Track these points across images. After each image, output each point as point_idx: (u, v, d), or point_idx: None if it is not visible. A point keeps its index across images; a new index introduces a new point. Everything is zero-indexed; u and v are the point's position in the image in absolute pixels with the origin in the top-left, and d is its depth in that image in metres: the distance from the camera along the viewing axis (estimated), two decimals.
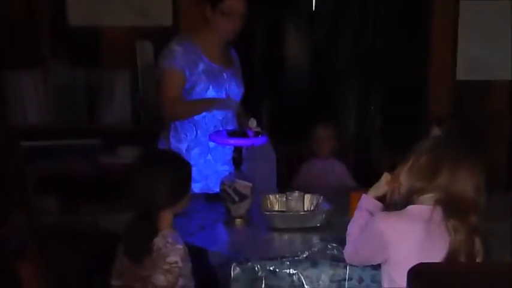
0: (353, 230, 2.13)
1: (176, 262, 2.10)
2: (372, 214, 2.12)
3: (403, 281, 1.70)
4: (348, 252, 2.13)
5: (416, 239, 1.94)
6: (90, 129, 3.92)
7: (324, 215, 2.58)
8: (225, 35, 3.01)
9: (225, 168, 2.97)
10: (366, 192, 2.32)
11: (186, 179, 2.23)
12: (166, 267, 2.09)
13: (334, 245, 2.32)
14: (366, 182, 3.41)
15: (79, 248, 3.57)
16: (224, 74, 3.05)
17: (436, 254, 1.93)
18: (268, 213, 2.62)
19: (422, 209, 1.97)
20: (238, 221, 2.68)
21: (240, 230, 2.65)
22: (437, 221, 1.95)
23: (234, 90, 3.08)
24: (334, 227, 2.55)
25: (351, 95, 4.50)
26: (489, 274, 1.45)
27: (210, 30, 3.01)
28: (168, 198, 2.15)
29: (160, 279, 2.08)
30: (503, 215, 2.61)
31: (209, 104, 2.97)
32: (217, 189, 2.88)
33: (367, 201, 2.16)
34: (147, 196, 2.14)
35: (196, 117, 2.99)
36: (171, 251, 2.10)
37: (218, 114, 3.01)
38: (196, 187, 2.85)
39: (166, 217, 2.17)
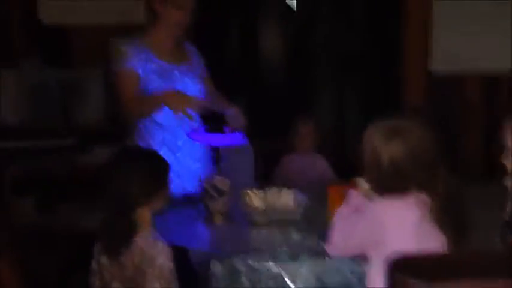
0: (339, 222, 2.13)
1: (165, 264, 2.09)
2: (357, 207, 2.13)
3: None
4: (333, 243, 2.12)
5: (413, 223, 1.96)
6: (65, 129, 3.94)
7: (302, 209, 2.59)
8: (176, 29, 2.93)
9: (197, 166, 2.96)
10: (343, 185, 2.33)
11: (162, 174, 2.23)
12: (157, 272, 2.07)
13: (314, 237, 2.33)
14: (345, 175, 3.51)
15: (57, 248, 3.55)
16: (176, 72, 2.96)
17: (431, 240, 1.95)
18: (247, 208, 2.62)
19: (415, 195, 1.99)
20: (217, 217, 2.68)
21: (219, 226, 2.65)
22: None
23: (190, 87, 2.98)
24: (312, 220, 2.56)
25: (326, 89, 4.53)
26: (469, 262, 1.46)
27: (159, 27, 2.94)
28: (144, 194, 2.14)
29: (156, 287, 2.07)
30: (479, 206, 2.64)
31: (162, 96, 2.84)
32: (193, 188, 2.90)
33: (355, 196, 2.17)
34: (122, 191, 2.13)
35: (158, 119, 2.90)
36: (158, 254, 2.09)
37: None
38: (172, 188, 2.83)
39: (144, 214, 2.16)
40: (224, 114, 2.91)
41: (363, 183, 2.16)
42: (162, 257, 2.08)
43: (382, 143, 1.99)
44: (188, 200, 2.88)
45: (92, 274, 2.25)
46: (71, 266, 3.37)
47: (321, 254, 2.21)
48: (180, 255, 2.36)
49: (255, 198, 2.78)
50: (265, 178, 3.14)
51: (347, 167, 3.72)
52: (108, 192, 2.15)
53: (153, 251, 2.09)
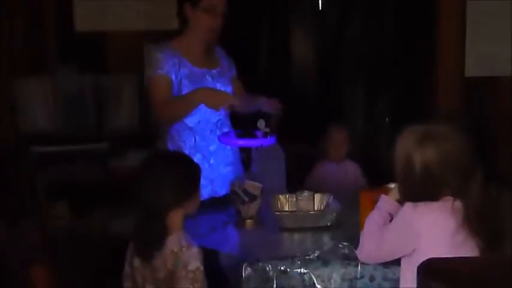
0: (371, 228, 2.11)
1: (198, 268, 2.10)
2: (390, 214, 2.11)
3: None
4: (366, 249, 2.11)
5: (447, 230, 1.93)
6: (99, 134, 3.95)
7: (334, 214, 2.58)
8: (207, 34, 2.92)
9: (228, 170, 2.96)
10: (375, 191, 2.31)
11: (194, 178, 2.23)
12: (190, 275, 2.08)
13: (346, 243, 2.31)
14: (377, 183, 3.47)
15: (90, 253, 3.58)
16: (208, 77, 2.96)
17: (466, 249, 1.93)
18: (278, 213, 2.61)
19: (450, 202, 1.97)
20: (248, 222, 2.68)
21: (250, 231, 2.65)
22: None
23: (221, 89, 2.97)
24: (344, 226, 2.55)
25: (359, 94, 4.50)
26: (500, 269, 1.43)
27: (190, 32, 2.94)
28: (176, 197, 2.15)
29: None
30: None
31: (194, 94, 2.81)
32: (224, 192, 2.90)
33: (387, 202, 2.15)
34: (155, 194, 2.13)
35: (190, 124, 2.90)
36: (191, 257, 2.09)
37: (212, 117, 2.92)
38: (204, 193, 2.83)
39: (176, 217, 2.16)
40: (257, 108, 2.89)
41: (395, 189, 2.14)
42: (194, 261, 2.09)
43: (415, 148, 1.97)
44: (219, 204, 2.88)
45: (125, 277, 2.26)
46: (104, 271, 3.39)
47: (353, 260, 2.20)
48: (211, 259, 2.36)
49: (286, 203, 2.78)
50: (296, 184, 3.13)
51: (380, 175, 3.74)
52: (141, 196, 2.17)
53: (185, 254, 2.09)
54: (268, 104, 2.83)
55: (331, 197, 2.74)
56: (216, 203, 2.89)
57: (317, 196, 2.77)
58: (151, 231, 2.13)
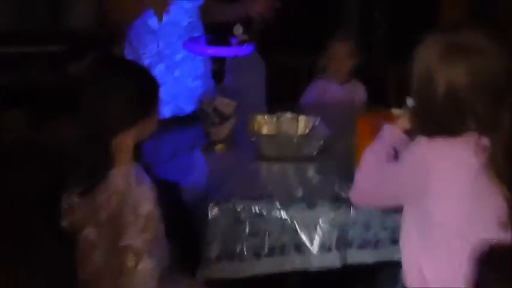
0: (369, 163, 1.66)
1: (150, 212, 1.65)
2: (395, 148, 1.67)
3: (446, 227, 1.44)
4: (361, 189, 1.66)
5: (468, 174, 1.50)
6: (54, 34, 3.54)
7: (322, 142, 2.13)
8: None
9: (196, 84, 2.50)
10: (376, 116, 1.87)
11: (149, 94, 1.76)
12: (140, 222, 1.64)
13: (336, 180, 1.89)
14: (373, 100, 3.00)
15: (46, 166, 3.17)
16: None
17: (490, 198, 1.50)
18: (255, 137, 2.16)
19: (473, 137, 1.52)
20: (219, 146, 2.24)
21: (220, 157, 2.21)
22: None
23: None
24: (334, 157, 2.11)
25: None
26: None
27: None
28: (126, 117, 1.68)
29: (137, 243, 1.63)
30: None
31: None
32: (190, 110, 2.46)
33: (393, 133, 1.69)
34: (97, 111, 1.67)
35: (154, 27, 2.42)
36: (141, 198, 1.64)
37: (181, 19, 2.45)
38: (166, 110, 2.38)
39: (124, 143, 1.70)
40: (240, 13, 2.40)
41: (404, 117, 1.69)
42: (146, 203, 1.64)
43: (438, 64, 1.50)
44: (184, 123, 2.43)
45: (62, 213, 1.82)
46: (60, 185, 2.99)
47: (344, 202, 1.78)
48: (170, 193, 1.94)
49: (265, 125, 2.34)
50: (278, 103, 2.63)
51: (373, 91, 3.27)
52: (84, 113, 1.70)
53: (134, 194, 1.65)
54: (256, 5, 2.34)
55: (319, 119, 2.30)
56: (180, 122, 2.45)
57: (302, 118, 2.33)
58: (91, 159, 1.67)
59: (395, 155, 1.66)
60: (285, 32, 3.60)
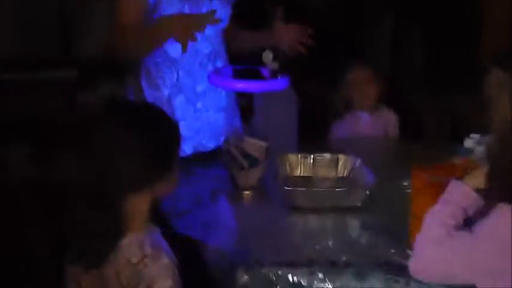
0: (434, 229, 1.36)
1: None
2: (466, 212, 1.37)
3: None
4: (423, 259, 1.37)
5: None
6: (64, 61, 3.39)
7: (367, 192, 1.84)
8: None
9: (219, 117, 2.22)
10: (434, 169, 1.58)
11: (168, 150, 1.48)
12: None
13: (388, 241, 1.60)
14: (409, 136, 2.72)
15: (55, 209, 2.92)
16: None
17: None
18: (288, 188, 1.87)
19: None
20: (247, 194, 1.96)
21: (249, 208, 1.93)
22: None
23: (217, 10, 2.13)
24: (382, 208, 1.82)
25: (384, 27, 3.66)
26: None
27: None
28: (137, 178, 1.41)
29: None
30: None
31: (166, 23, 2.04)
32: (213, 146, 2.18)
33: (463, 192, 1.39)
34: (104, 172, 1.39)
35: (173, 55, 2.14)
36: (158, 273, 1.35)
37: (203, 47, 2.16)
38: (186, 147, 2.11)
39: (138, 207, 1.42)
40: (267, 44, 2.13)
41: (477, 171, 1.39)
42: (163, 279, 1.35)
43: None
44: (206, 161, 2.15)
45: (66, 281, 1.54)
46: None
47: (401, 272, 1.48)
48: (192, 253, 1.66)
49: (299, 167, 2.07)
50: (312, 141, 2.32)
51: (409, 126, 2.96)
52: (84, 172, 1.42)
53: (150, 269, 1.36)
54: (286, 36, 2.07)
55: (359, 160, 2.02)
56: (202, 161, 2.16)
57: (342, 159, 2.05)
58: (98, 226, 1.39)
59: (466, 220, 1.37)
60: (313, 59, 3.31)
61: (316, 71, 2.89)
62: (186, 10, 2.10)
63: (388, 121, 2.78)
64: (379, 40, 3.70)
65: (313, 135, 2.42)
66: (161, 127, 1.48)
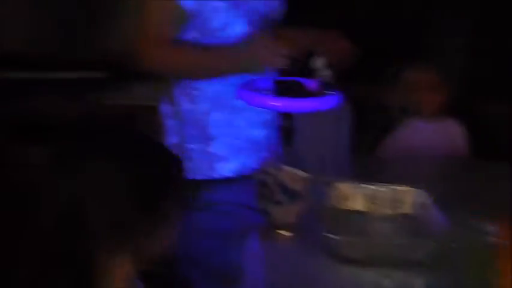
0: None
1: None
2: None
3: None
4: None
5: None
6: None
7: (435, 242, 1.43)
8: None
9: (258, 134, 1.86)
10: None
11: (159, 188, 1.09)
12: None
13: None
14: (482, 151, 2.30)
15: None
16: None
17: None
18: (331, 236, 1.47)
19: None
20: (283, 233, 1.58)
21: (285, 251, 1.55)
22: None
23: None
24: (455, 266, 1.42)
25: (450, 25, 3.23)
26: None
27: None
28: (125, 234, 1.04)
29: None
30: None
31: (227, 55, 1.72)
32: (254, 168, 1.81)
33: None
34: (78, 227, 1.02)
35: None
36: None
37: None
38: (226, 169, 1.81)
39: (118, 272, 1.05)
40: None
41: None
42: None
43: None
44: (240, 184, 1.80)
45: None
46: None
47: None
48: None
49: (352, 199, 1.68)
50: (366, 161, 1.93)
51: (482, 138, 2.57)
52: (47, 223, 1.05)
53: None
54: (328, 43, 1.69)
55: (428, 198, 1.62)
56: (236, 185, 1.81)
57: (406, 193, 1.66)
58: None
59: None
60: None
61: (365, 71, 2.48)
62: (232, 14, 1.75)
63: (452, 133, 2.36)
64: (449, 42, 3.30)
65: (360, 149, 2.02)
66: (149, 162, 1.10)
